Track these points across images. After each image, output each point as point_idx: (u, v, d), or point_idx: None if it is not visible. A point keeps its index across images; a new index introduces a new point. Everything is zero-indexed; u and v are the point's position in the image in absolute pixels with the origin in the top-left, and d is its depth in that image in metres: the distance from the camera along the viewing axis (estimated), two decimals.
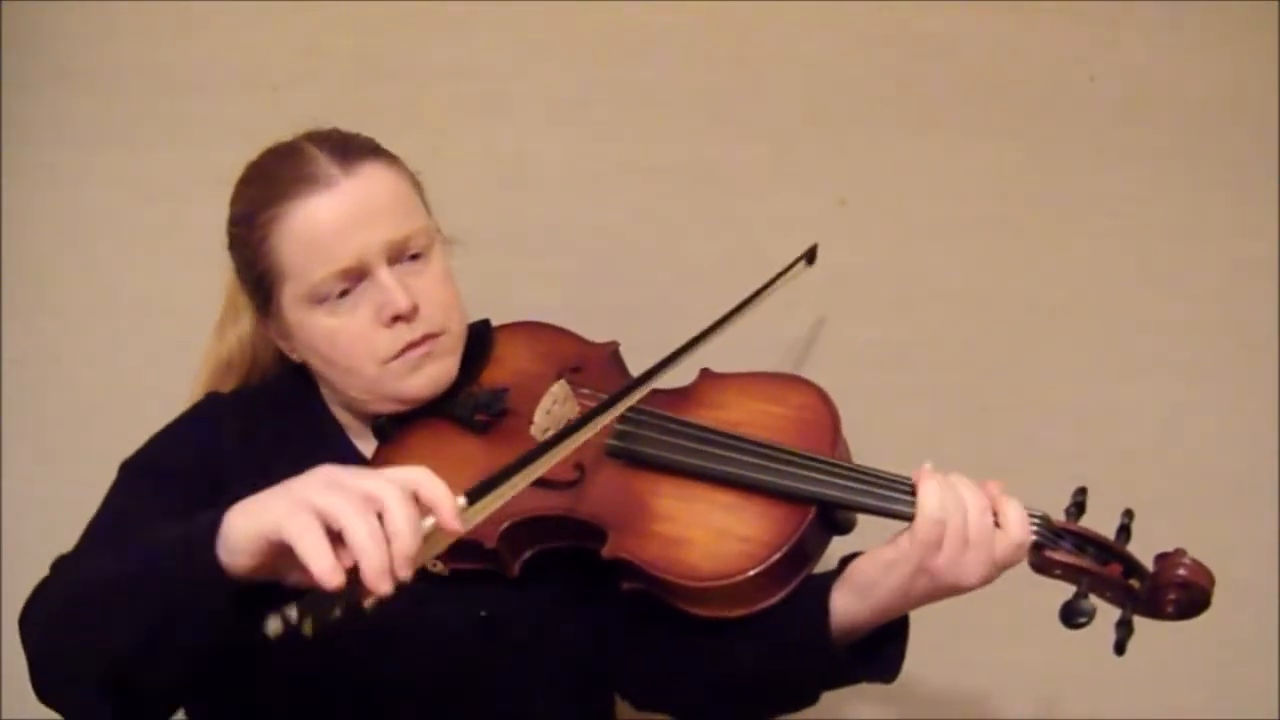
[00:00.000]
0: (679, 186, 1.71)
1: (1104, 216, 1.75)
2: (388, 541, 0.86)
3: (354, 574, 0.85)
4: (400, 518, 0.87)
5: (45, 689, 1.04)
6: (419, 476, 0.90)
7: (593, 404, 1.20)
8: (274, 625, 0.82)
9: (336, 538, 0.86)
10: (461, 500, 0.92)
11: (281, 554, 0.87)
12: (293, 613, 0.82)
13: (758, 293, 1.41)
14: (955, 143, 1.73)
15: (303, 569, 0.85)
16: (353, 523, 0.85)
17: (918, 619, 1.19)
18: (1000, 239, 1.74)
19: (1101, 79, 1.74)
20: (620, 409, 1.16)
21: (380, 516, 0.87)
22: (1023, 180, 1.74)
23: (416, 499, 0.89)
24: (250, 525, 0.89)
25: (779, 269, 1.48)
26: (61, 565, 1.11)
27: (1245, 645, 1.76)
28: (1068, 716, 1.76)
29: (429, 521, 0.89)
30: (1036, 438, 1.73)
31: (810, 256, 1.58)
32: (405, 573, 0.86)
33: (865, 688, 1.20)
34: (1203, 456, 1.76)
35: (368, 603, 0.86)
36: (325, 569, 0.84)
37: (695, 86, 1.70)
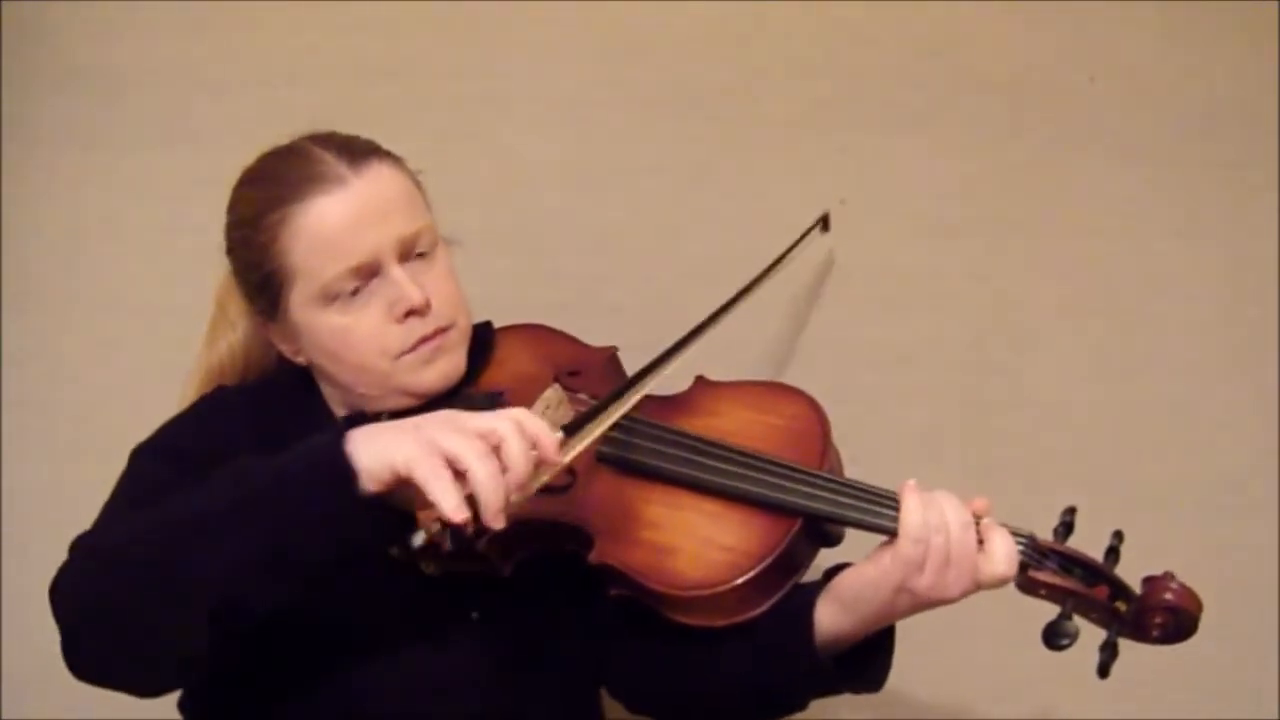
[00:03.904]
0: (679, 186, 1.71)
1: (1104, 216, 1.75)
2: (504, 470, 0.96)
3: (472, 507, 0.96)
4: (516, 449, 0.97)
5: (96, 658, 1.03)
6: (523, 413, 1.01)
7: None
8: (419, 538, 0.97)
9: (458, 473, 0.96)
10: (559, 434, 1.03)
11: (404, 486, 0.97)
12: (436, 527, 0.96)
13: (776, 262, 1.42)
14: (955, 143, 1.73)
15: (423, 502, 0.96)
16: (477, 465, 0.96)
17: (907, 623, 1.19)
18: (1000, 239, 1.74)
19: (1101, 79, 1.74)
20: (648, 385, 1.21)
21: (497, 450, 0.97)
22: (1023, 180, 1.74)
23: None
24: (379, 456, 0.97)
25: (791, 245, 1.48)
26: (92, 537, 1.09)
27: (1245, 645, 1.76)
28: (1066, 717, 1.76)
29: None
30: (1036, 438, 1.73)
31: (825, 223, 1.58)
32: (517, 496, 0.98)
33: (854, 696, 1.20)
34: (1203, 456, 1.76)
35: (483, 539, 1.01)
36: (453, 507, 0.94)
37: (695, 86, 1.70)
